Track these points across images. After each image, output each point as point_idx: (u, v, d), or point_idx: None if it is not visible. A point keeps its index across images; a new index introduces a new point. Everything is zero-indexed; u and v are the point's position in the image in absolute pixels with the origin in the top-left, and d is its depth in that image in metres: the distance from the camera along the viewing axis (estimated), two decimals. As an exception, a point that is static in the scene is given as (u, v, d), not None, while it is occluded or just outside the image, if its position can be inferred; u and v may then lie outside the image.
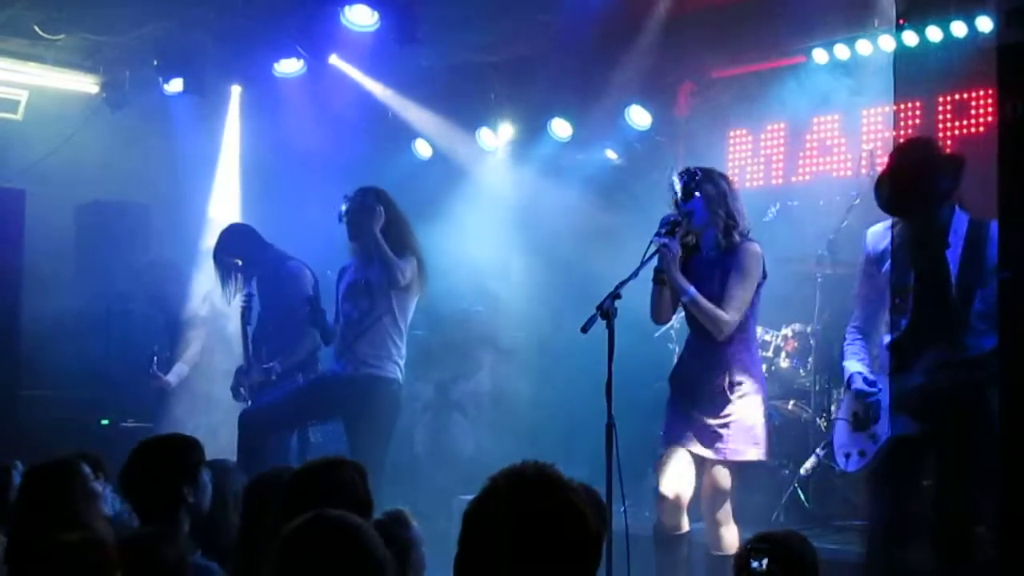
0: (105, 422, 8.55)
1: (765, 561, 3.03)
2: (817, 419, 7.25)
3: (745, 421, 5.36)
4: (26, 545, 3.56)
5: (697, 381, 5.46)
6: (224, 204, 9.82)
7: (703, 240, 5.51)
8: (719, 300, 5.35)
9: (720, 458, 5.36)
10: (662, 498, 5.42)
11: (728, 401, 5.36)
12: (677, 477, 5.41)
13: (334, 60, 8.52)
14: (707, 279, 5.42)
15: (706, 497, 5.44)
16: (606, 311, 4.89)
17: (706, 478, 5.42)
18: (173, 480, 3.96)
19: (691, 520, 5.51)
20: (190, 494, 3.97)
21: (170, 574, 3.58)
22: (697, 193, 5.42)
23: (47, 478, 4.02)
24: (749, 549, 3.08)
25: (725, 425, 5.35)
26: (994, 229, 4.25)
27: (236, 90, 9.66)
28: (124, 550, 3.41)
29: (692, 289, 5.35)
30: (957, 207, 4.76)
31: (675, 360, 6.23)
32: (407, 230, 6.86)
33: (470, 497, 2.42)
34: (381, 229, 6.68)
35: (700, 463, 5.43)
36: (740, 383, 5.38)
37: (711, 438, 5.36)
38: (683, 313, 5.69)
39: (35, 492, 4.01)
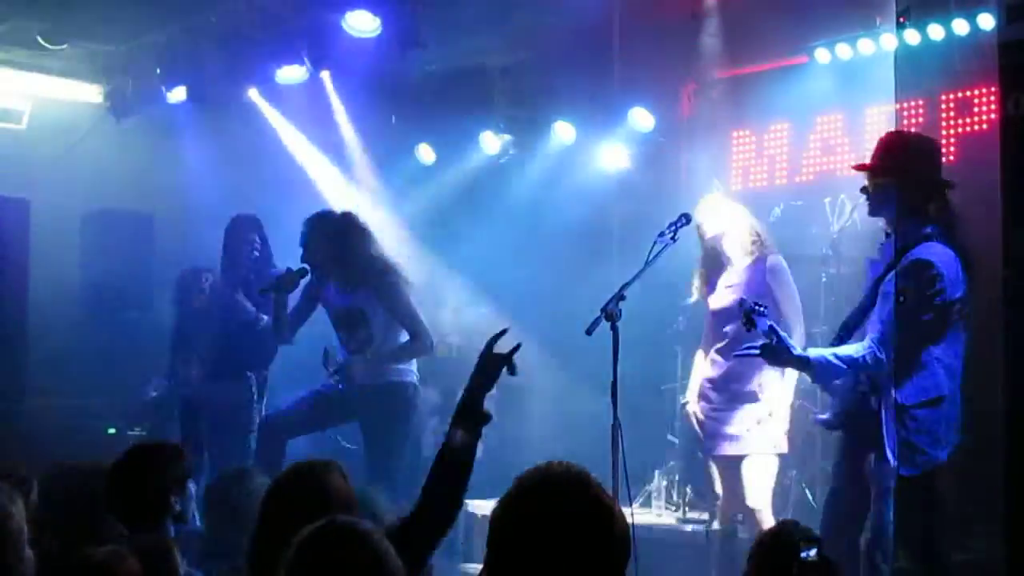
0: (112, 431, 8.55)
1: (814, 551, 3.08)
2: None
3: (779, 417, 5.93)
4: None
5: (732, 389, 5.91)
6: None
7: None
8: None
9: (764, 451, 5.89)
10: (725, 500, 6.05)
11: (763, 401, 5.89)
12: (731, 481, 5.98)
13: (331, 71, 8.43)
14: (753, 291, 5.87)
15: (755, 489, 5.89)
16: (611, 313, 5.01)
17: (751, 472, 5.89)
18: (163, 489, 3.86)
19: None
20: (177, 503, 3.88)
21: None
22: None
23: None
24: (798, 541, 3.11)
25: (765, 422, 5.87)
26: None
27: (254, 93, 9.33)
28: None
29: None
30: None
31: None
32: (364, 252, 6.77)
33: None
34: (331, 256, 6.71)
35: (740, 461, 5.93)
36: (771, 384, 5.91)
37: (754, 436, 5.86)
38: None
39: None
